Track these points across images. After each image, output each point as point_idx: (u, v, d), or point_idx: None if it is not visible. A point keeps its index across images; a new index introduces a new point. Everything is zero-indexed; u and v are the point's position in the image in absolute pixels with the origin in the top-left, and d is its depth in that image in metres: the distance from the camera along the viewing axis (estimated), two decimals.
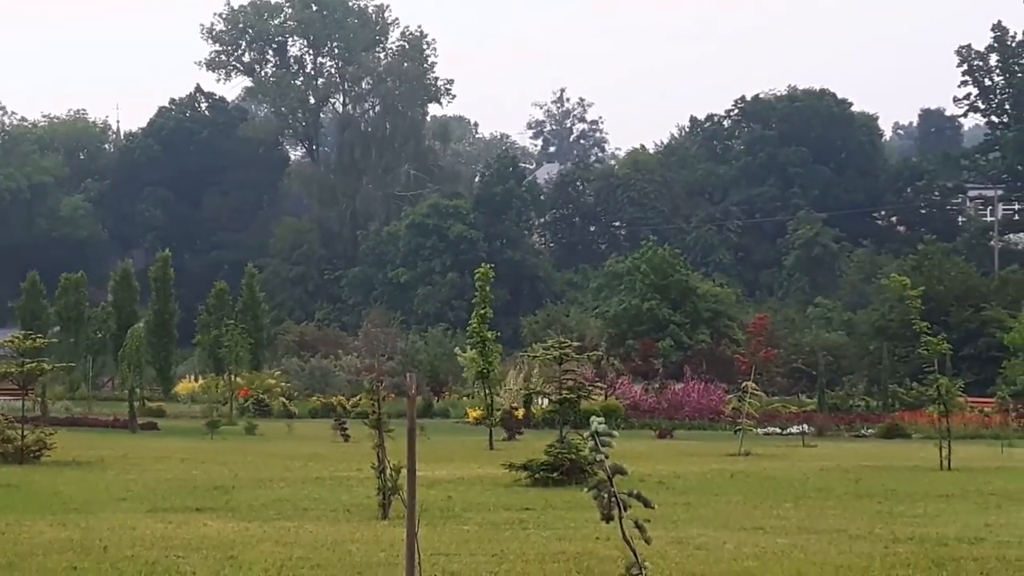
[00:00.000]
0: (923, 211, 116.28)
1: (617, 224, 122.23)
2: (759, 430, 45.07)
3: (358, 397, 56.76)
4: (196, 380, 71.07)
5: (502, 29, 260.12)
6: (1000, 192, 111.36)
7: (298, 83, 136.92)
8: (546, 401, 47.17)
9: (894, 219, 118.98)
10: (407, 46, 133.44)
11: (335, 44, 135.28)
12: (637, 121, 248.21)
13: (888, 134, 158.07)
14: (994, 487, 25.18)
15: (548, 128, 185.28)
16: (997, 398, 53.38)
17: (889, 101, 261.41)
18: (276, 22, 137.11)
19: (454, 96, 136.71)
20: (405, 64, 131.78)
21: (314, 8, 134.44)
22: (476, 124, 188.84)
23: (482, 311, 41.49)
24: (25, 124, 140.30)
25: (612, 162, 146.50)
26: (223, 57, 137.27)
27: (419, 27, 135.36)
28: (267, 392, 61.76)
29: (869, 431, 50.41)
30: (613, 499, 7.20)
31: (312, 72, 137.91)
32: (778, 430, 49.00)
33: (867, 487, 24.99)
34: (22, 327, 60.66)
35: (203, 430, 43.67)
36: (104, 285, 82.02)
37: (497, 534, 17.14)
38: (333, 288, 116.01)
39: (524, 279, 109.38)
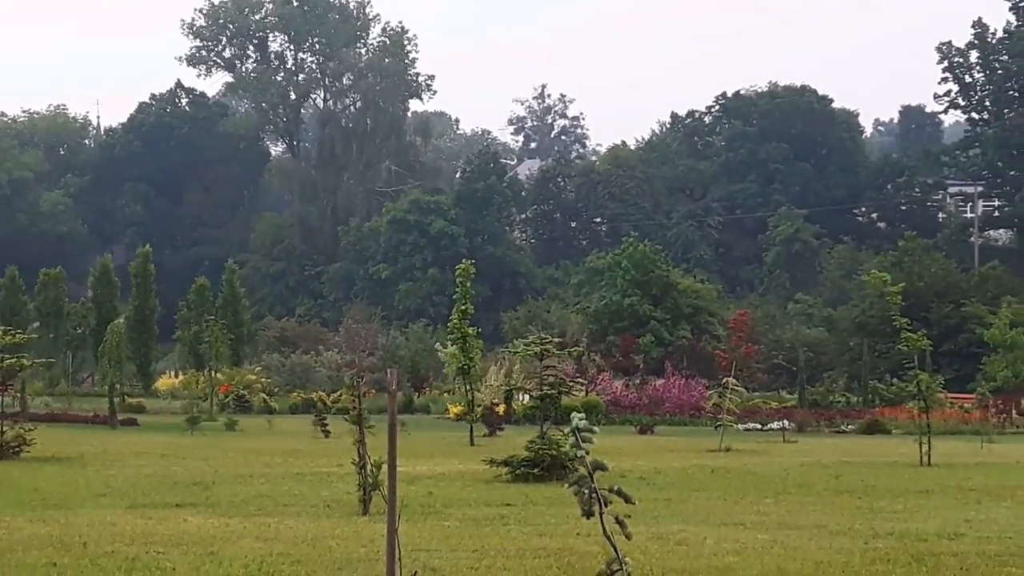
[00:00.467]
0: (903, 207, 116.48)
1: (598, 220, 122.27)
2: (739, 426, 45.15)
3: (339, 393, 56.68)
4: (176, 376, 70.94)
5: (483, 25, 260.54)
6: (980, 189, 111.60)
7: (279, 79, 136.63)
8: (527, 397, 47.21)
9: (874, 215, 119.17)
10: (388, 42, 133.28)
11: (316, 40, 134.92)
12: (618, 117, 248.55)
13: (869, 131, 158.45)
14: (974, 483, 25.24)
15: (529, 124, 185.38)
16: (977, 394, 53.45)
17: (870, 98, 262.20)
18: (257, 18, 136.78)
19: (435, 92, 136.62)
20: (386, 60, 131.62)
21: (295, 3, 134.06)
22: (457, 120, 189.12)
23: (463, 307, 41.46)
24: (5, 119, 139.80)
25: (593, 158, 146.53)
26: (203, 53, 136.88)
27: (400, 23, 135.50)
28: (247, 388, 61.67)
29: (849, 427, 50.55)
30: (594, 495, 7.20)
31: (293, 68, 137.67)
32: (758, 426, 49.14)
33: (847, 483, 25.04)
34: (1, 323, 60.28)
35: (183, 426, 43.56)
36: (84, 281, 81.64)
37: (478, 530, 17.14)
38: (314, 284, 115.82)
39: (505, 275, 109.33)
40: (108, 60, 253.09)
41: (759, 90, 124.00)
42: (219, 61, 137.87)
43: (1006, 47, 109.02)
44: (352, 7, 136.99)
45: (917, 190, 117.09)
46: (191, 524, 17.63)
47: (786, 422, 48.56)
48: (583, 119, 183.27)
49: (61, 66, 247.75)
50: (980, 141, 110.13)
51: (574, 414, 7.50)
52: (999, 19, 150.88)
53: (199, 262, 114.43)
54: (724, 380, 40.83)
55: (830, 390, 65.09)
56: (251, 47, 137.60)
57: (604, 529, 7.18)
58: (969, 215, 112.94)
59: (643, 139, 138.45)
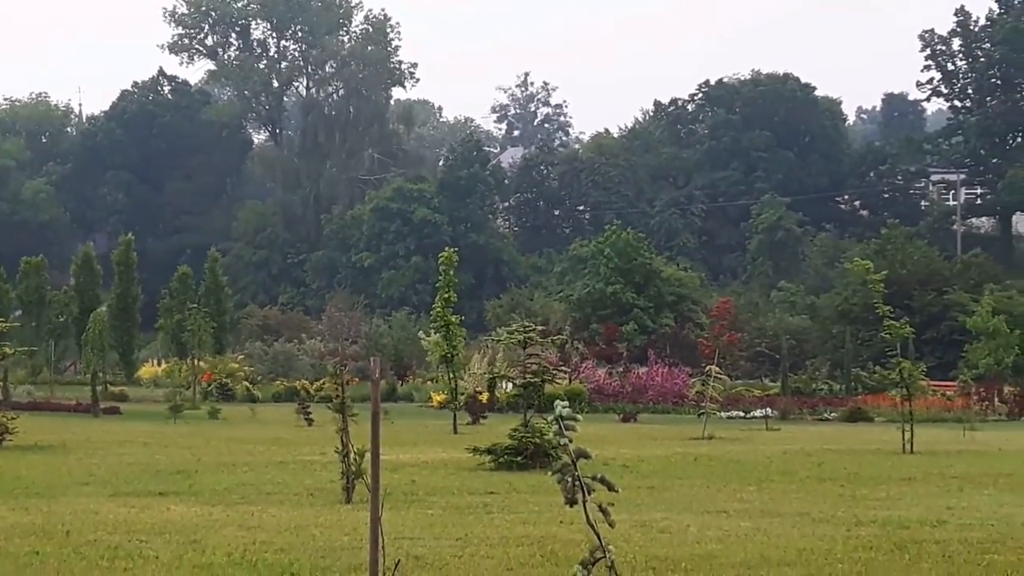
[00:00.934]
0: (886, 195, 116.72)
1: (581, 208, 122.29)
2: (723, 414, 45.23)
3: (322, 381, 56.70)
4: (159, 364, 70.86)
5: (466, 13, 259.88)
6: (963, 176, 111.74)
7: (261, 66, 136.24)
8: (510, 385, 47.14)
9: (857, 203, 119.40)
10: (371, 29, 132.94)
11: (298, 27, 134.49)
12: (601, 105, 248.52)
13: (851, 118, 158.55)
14: (956, 470, 25.31)
15: (512, 112, 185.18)
16: (959, 382, 53.62)
17: (852, 86, 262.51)
18: (239, 5, 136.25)
19: (418, 80, 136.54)
20: (369, 48, 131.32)
21: None
22: (440, 108, 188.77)
23: (446, 295, 41.45)
24: None
25: (576, 146, 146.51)
26: (186, 40, 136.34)
27: (383, 10, 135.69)
28: (230, 376, 61.61)
29: (832, 415, 50.61)
30: (577, 483, 7.19)
31: (275, 55, 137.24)
32: (741, 414, 49.22)
33: (830, 470, 25.09)
34: None
35: (166, 414, 43.51)
36: (66, 269, 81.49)
37: (461, 518, 17.15)
38: (297, 272, 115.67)
39: (488, 263, 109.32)
40: (90, 48, 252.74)
41: (742, 78, 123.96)
42: (201, 49, 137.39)
43: (988, 35, 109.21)
44: None
45: (900, 178, 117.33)
46: (174, 512, 17.61)
47: (769, 410, 48.60)
48: (566, 107, 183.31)
49: (43, 54, 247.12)
50: (963, 129, 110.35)
51: (557, 402, 7.48)
52: (982, 7, 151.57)
53: (182, 250, 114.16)
54: (707, 368, 40.88)
55: (813, 378, 65.21)
56: (233, 35, 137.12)
57: (587, 517, 7.17)
58: (952, 203, 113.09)
59: (626, 127, 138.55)
